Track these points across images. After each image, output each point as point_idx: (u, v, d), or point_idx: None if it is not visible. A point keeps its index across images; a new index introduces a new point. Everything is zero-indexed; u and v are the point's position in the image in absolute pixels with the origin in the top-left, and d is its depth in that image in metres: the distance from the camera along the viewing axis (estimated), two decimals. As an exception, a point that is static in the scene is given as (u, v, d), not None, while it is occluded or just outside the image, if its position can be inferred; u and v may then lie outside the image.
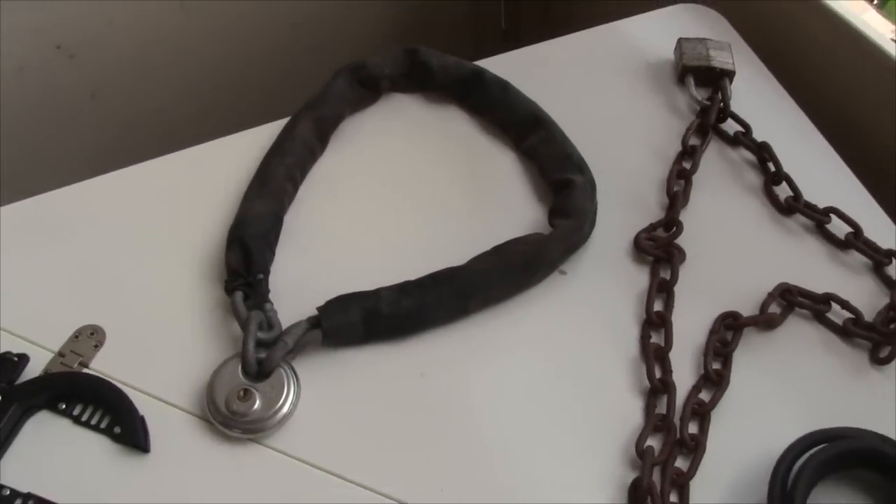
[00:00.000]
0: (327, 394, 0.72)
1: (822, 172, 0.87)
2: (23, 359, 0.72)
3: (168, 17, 1.12)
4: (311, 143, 0.87)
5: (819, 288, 0.78)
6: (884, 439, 0.67)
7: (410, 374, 0.74)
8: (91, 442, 0.69)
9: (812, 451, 0.66)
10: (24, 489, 0.66)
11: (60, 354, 0.73)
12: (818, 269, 0.81)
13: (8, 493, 0.66)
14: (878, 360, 0.75)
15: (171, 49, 1.15)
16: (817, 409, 0.72)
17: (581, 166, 0.84)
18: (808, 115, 0.92)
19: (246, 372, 0.71)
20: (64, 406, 0.70)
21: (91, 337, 0.75)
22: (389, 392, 0.73)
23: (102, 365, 0.73)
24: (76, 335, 0.74)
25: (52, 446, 0.69)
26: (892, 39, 0.90)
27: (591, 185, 0.82)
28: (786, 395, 0.73)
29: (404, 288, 0.75)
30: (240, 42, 1.19)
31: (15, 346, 0.73)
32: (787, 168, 0.86)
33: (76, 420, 0.70)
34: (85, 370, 0.73)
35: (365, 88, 0.91)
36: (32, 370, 0.72)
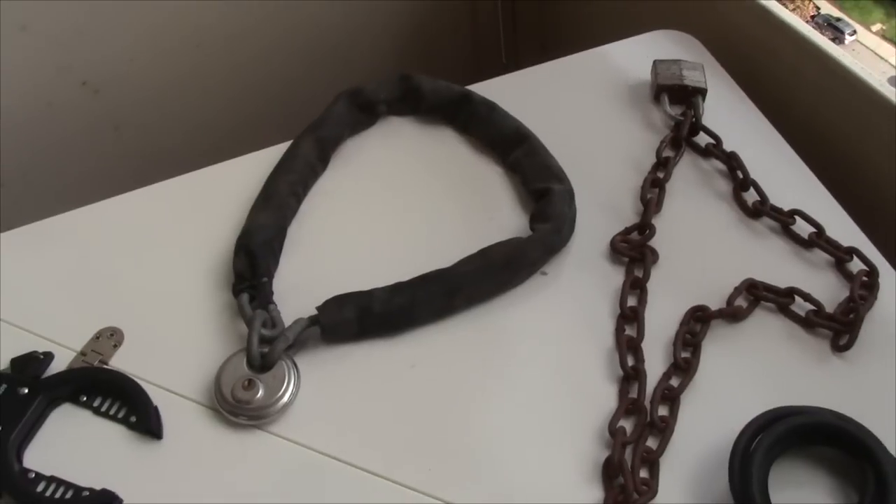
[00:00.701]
0: (325, 384, 0.78)
1: (787, 177, 0.93)
2: (48, 356, 0.79)
3: (185, 56, 1.21)
4: (313, 161, 0.94)
5: (785, 284, 0.83)
6: (838, 416, 0.72)
7: (402, 365, 0.80)
8: (109, 430, 0.75)
9: (770, 427, 0.71)
10: (47, 473, 0.72)
11: (82, 353, 0.80)
12: (784, 267, 0.86)
13: (33, 475, 0.72)
14: (838, 348, 0.80)
15: (189, 85, 1.23)
16: (781, 393, 0.76)
17: (560, 176, 0.90)
18: (776, 127, 0.98)
19: (250, 364, 0.77)
20: (85, 398, 0.77)
21: (111, 338, 0.81)
22: (382, 382, 0.79)
23: (120, 362, 0.79)
24: (97, 336, 0.81)
25: (73, 434, 0.75)
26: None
27: (569, 193, 0.89)
28: (751, 380, 0.78)
29: (396, 288, 0.81)
30: (253, 78, 1.28)
31: (41, 347, 0.79)
32: (755, 175, 0.91)
33: (96, 411, 0.76)
34: (105, 367, 0.79)
35: (363, 112, 0.98)
36: (57, 367, 0.78)
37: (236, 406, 0.75)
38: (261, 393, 0.76)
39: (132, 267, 0.87)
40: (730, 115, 0.99)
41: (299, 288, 0.84)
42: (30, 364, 0.78)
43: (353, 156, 0.98)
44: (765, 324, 0.82)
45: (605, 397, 0.77)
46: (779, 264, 0.86)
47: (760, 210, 0.89)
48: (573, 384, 0.79)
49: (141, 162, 1.26)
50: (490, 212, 0.92)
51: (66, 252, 0.88)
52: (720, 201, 0.92)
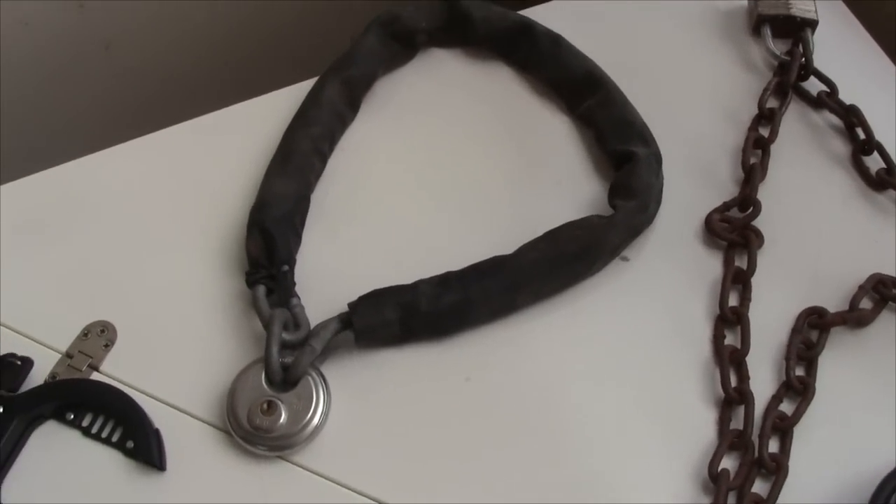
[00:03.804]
0: (361, 402, 0.65)
1: (920, 140, 0.77)
2: (26, 363, 0.65)
3: (183, -40, 1.02)
4: (340, 108, 0.78)
5: (916, 276, 0.69)
6: None
7: (454, 378, 0.66)
8: (101, 457, 0.63)
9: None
10: (28, 511, 0.60)
11: (68, 355, 0.67)
12: (915, 254, 0.72)
13: (11, 515, 0.60)
14: None
15: (189, -4, 1.05)
16: (916, 421, 0.64)
17: (645, 136, 0.74)
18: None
19: (270, 381, 0.64)
20: (72, 416, 0.64)
21: (101, 335, 0.68)
22: (431, 399, 0.66)
23: (113, 367, 0.66)
24: (85, 333, 0.68)
25: (59, 461, 0.63)
26: None
27: (656, 159, 0.73)
28: (881, 405, 0.65)
29: (445, 281, 0.67)
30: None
31: (18, 346, 0.66)
32: (880, 135, 0.76)
33: (85, 432, 0.64)
34: (95, 373, 0.66)
35: (399, 44, 0.82)
36: (38, 373, 0.65)
37: (254, 434, 0.62)
38: (283, 418, 0.62)
39: (124, 245, 0.72)
40: (845, 54, 0.83)
41: (326, 272, 0.71)
42: (4, 373, 0.65)
43: (388, 98, 0.81)
44: (892, 330, 0.68)
45: (701, 423, 0.64)
46: (909, 250, 0.72)
47: (886, 180, 0.75)
48: (661, 405, 0.65)
49: (138, 83, 1.10)
50: (557, 175, 0.76)
51: (43, 226, 0.73)
52: (836, 167, 0.77)
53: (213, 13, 1.06)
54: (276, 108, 0.78)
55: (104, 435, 0.64)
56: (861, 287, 0.68)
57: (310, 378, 0.64)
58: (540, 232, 0.70)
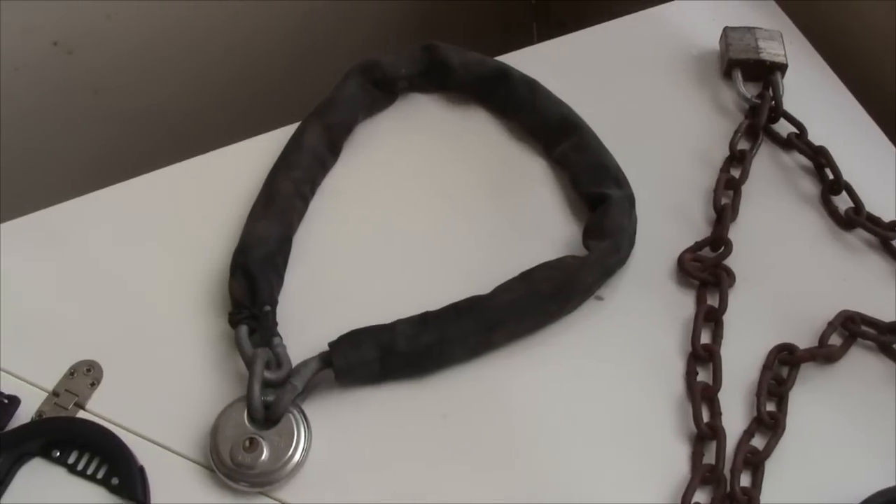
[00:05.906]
0: (341, 439, 0.66)
1: (887, 180, 0.79)
2: (13, 401, 0.67)
3: (171, 10, 1.04)
4: (322, 153, 0.80)
5: (883, 312, 0.71)
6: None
7: (431, 415, 0.68)
8: (87, 493, 0.64)
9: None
10: (14, 548, 0.61)
11: (55, 394, 0.68)
12: (882, 291, 0.73)
13: (-4, 553, 0.61)
14: (953, 399, 0.67)
15: (175, 42, 1.06)
16: (886, 455, 0.65)
17: (618, 178, 0.76)
18: (870, 114, 0.83)
19: (252, 418, 0.65)
20: (58, 453, 0.65)
21: (87, 374, 0.69)
22: (409, 436, 0.67)
23: (99, 405, 0.68)
24: (71, 372, 0.69)
25: (45, 498, 0.64)
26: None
27: (629, 201, 0.75)
28: (849, 440, 0.66)
29: (423, 320, 0.69)
30: (247, 33, 1.10)
31: (6, 385, 0.68)
32: (848, 175, 0.78)
33: (71, 469, 0.65)
34: (81, 411, 0.68)
35: (379, 90, 0.84)
36: (25, 411, 0.67)
37: (236, 471, 0.63)
38: (265, 455, 0.64)
39: (111, 285, 0.74)
40: (814, 97, 0.85)
41: (308, 312, 0.72)
42: (-9, 412, 0.66)
43: (368, 143, 0.83)
44: (863, 366, 0.70)
45: (675, 458, 0.65)
46: (876, 288, 0.74)
47: (854, 220, 0.76)
48: (636, 441, 0.67)
49: (125, 127, 1.12)
50: (533, 216, 0.78)
51: (32, 266, 0.74)
52: (805, 206, 0.78)
53: (199, 60, 1.08)
54: (260, 152, 0.80)
55: (90, 472, 0.65)
56: (830, 323, 0.69)
57: (291, 415, 0.65)
58: (516, 272, 0.71)
